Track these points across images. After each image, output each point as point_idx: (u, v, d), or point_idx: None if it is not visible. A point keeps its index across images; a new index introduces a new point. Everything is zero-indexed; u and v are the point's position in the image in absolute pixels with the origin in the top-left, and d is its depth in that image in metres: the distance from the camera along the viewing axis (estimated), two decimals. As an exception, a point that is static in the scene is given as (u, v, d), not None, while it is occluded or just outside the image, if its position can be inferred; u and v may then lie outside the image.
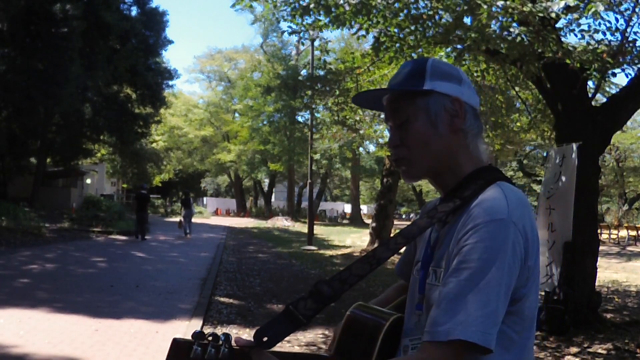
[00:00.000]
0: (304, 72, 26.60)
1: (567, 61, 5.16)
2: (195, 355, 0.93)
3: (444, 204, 1.05)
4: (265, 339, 0.95)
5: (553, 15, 4.72)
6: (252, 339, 0.96)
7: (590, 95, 6.47)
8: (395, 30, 6.12)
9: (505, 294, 0.93)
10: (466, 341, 0.88)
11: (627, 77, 5.89)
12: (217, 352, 0.94)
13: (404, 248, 1.09)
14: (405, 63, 1.15)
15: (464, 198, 1.03)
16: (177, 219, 29.49)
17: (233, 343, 0.97)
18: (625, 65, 5.48)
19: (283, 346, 5.22)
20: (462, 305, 0.90)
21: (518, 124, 10.34)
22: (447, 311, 0.91)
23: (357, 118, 12.18)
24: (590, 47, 5.15)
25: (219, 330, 5.73)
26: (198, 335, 0.95)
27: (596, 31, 5.29)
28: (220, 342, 0.95)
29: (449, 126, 1.07)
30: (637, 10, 5.45)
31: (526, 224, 0.97)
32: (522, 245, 0.96)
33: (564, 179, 5.77)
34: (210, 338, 0.96)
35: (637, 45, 5.45)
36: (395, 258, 1.34)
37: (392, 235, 1.20)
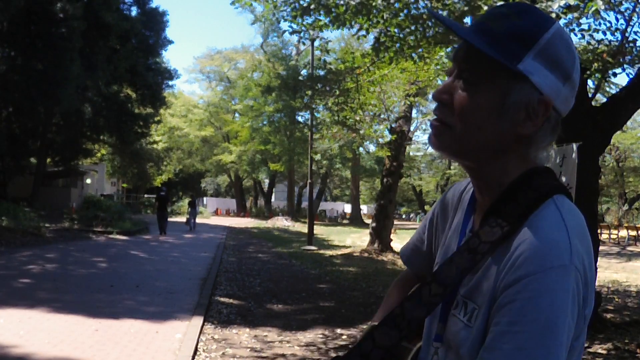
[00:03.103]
0: (304, 72, 26.62)
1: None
2: None
3: (489, 229, 0.81)
4: None
5: (553, 15, 4.71)
6: None
7: (590, 95, 6.47)
8: (396, 30, 6.12)
9: (564, 358, 0.75)
10: None
11: (628, 77, 5.90)
12: None
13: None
14: (524, 8, 0.83)
15: (511, 220, 0.80)
16: (177, 218, 29.65)
17: None
18: (625, 65, 5.48)
19: (283, 346, 5.24)
20: None
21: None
22: None
23: (357, 118, 12.19)
24: (591, 47, 5.16)
25: (219, 331, 5.74)
26: None
27: (596, 31, 5.29)
28: None
29: (517, 126, 0.82)
30: (637, 10, 5.45)
31: (586, 264, 0.77)
32: (582, 294, 0.76)
33: (564, 179, 5.76)
34: None
35: (637, 45, 5.46)
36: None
37: (423, 283, 0.88)
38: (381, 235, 14.44)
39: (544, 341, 0.71)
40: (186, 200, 38.65)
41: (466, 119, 0.82)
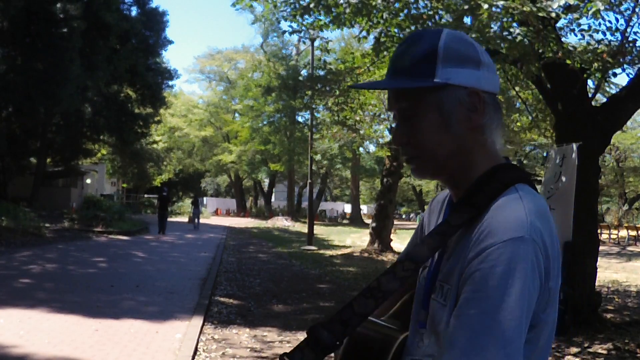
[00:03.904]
0: (304, 72, 26.61)
1: (567, 61, 5.16)
2: None
3: (457, 215, 0.90)
4: None
5: (553, 15, 4.72)
6: None
7: (590, 95, 6.47)
8: (396, 30, 6.12)
9: (526, 325, 0.81)
10: None
11: (628, 77, 5.90)
12: None
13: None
14: (413, 37, 0.95)
15: (478, 206, 0.88)
16: (177, 218, 29.66)
17: None
18: (625, 65, 5.48)
19: (283, 346, 5.23)
20: (481, 346, 0.77)
21: (518, 123, 10.35)
22: (466, 352, 0.78)
23: (357, 118, 12.20)
24: (590, 47, 5.16)
25: (219, 331, 5.74)
26: None
27: (596, 31, 5.29)
28: None
29: (466, 123, 0.92)
30: (637, 10, 5.45)
31: (546, 239, 0.84)
32: (543, 266, 0.82)
33: (564, 179, 5.76)
34: None
35: (637, 45, 5.46)
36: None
37: (397, 261, 0.97)
38: (381, 235, 14.44)
39: (505, 305, 0.78)
40: (186, 201, 38.74)
41: (426, 145, 0.93)
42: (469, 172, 0.94)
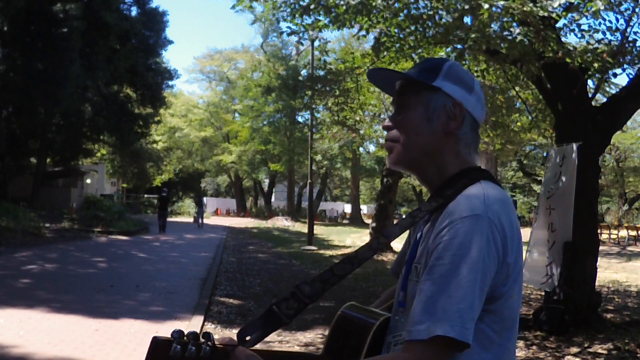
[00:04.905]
0: (304, 72, 26.60)
1: (567, 61, 5.15)
2: (174, 353, 0.92)
3: (428, 203, 1.06)
4: (247, 338, 0.98)
5: (553, 14, 4.71)
6: (235, 338, 0.99)
7: (590, 95, 6.46)
8: (396, 30, 6.12)
9: (481, 289, 0.93)
10: (445, 337, 0.89)
11: (628, 77, 5.89)
12: (198, 350, 0.94)
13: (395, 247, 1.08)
14: (429, 58, 1.21)
15: (446, 196, 1.03)
16: (177, 218, 29.67)
17: (215, 342, 0.97)
18: (625, 65, 5.48)
19: (282, 346, 5.23)
20: (439, 303, 0.91)
21: (518, 123, 10.33)
22: (426, 310, 0.92)
23: (357, 118, 12.17)
24: (590, 47, 5.15)
25: (220, 331, 5.74)
26: (178, 333, 0.95)
27: (596, 31, 5.29)
28: (202, 341, 0.95)
29: (443, 126, 1.08)
30: (637, 10, 5.45)
31: (504, 220, 0.97)
32: (500, 242, 0.96)
33: (564, 179, 5.76)
34: (190, 337, 0.95)
35: (637, 45, 5.46)
36: (395, 258, 1.36)
37: (374, 236, 1.25)
38: (381, 235, 14.41)
39: (461, 270, 0.92)
40: (187, 201, 38.72)
41: (406, 130, 1.10)
42: (441, 173, 1.09)
